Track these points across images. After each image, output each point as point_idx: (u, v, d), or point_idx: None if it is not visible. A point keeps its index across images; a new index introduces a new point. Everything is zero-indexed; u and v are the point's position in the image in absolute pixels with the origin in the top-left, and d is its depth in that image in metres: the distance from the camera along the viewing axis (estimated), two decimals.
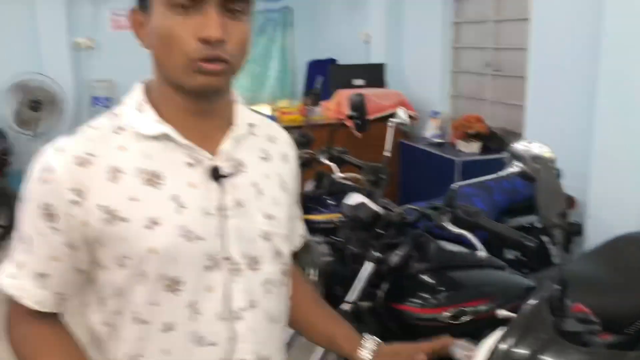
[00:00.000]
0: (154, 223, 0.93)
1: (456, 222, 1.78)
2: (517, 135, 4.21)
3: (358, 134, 2.67)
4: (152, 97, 0.99)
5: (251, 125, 1.05)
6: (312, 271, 1.97)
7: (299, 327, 1.28)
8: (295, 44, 8.01)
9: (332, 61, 6.95)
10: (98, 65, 7.16)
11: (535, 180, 1.48)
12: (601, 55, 3.14)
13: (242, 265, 0.99)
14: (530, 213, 3.26)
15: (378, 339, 1.24)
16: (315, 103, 5.66)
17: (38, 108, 6.58)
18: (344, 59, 6.75)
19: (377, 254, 1.90)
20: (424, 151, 4.64)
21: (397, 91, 5.23)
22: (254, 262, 1.01)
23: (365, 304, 1.96)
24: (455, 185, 1.84)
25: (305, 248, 2.00)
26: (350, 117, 2.59)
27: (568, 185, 3.34)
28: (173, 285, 0.94)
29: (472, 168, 4.05)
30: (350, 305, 1.89)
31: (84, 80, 7.14)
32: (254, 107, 6.30)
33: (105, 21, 7.20)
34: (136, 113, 0.98)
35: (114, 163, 0.94)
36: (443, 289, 1.93)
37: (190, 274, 0.95)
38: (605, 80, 3.14)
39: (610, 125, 3.17)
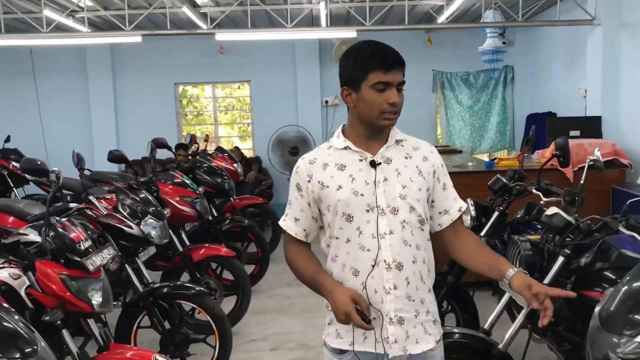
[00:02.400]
0: (340, 187, 1.86)
1: (629, 227, 2.42)
2: None
3: (564, 171, 3.32)
4: (346, 131, 1.95)
5: (398, 140, 1.92)
6: (518, 262, 2.71)
7: (467, 261, 1.98)
8: (515, 98, 8.65)
9: (550, 114, 7.46)
10: (341, 118, 8.58)
11: None
12: None
13: (386, 211, 1.83)
14: None
15: (524, 270, 1.92)
16: (531, 151, 6.30)
17: (295, 153, 8.09)
18: (561, 113, 7.24)
19: (567, 252, 2.60)
20: (635, 195, 4.99)
21: (612, 142, 5.63)
22: (394, 210, 1.84)
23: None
24: (630, 201, 2.48)
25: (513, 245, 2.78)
26: (555, 156, 3.29)
27: None
28: (349, 218, 1.85)
29: None
30: None
31: (331, 131, 8.61)
32: (473, 156, 7.07)
33: None
34: (336, 139, 1.95)
35: (325, 161, 1.92)
36: (620, 281, 2.54)
37: (357, 213, 1.84)
38: None
39: None
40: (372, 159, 1.88)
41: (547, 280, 2.61)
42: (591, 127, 6.07)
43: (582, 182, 2.96)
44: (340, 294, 1.79)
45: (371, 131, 1.91)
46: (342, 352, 1.92)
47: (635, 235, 2.39)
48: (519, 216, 3.82)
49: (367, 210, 1.85)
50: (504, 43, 7.22)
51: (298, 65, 8.44)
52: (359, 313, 1.75)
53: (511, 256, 2.76)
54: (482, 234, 3.53)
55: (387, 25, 7.11)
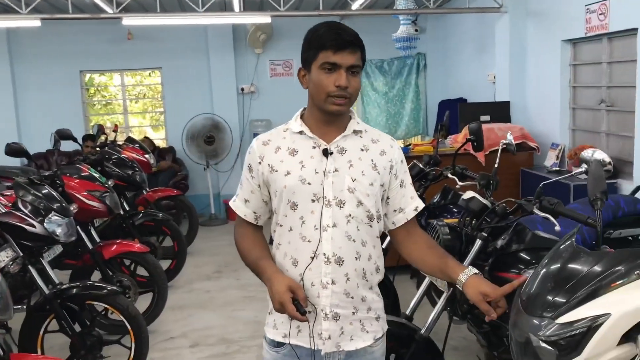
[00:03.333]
0: (288, 173, 1.78)
1: (542, 209, 2.48)
2: (628, 163, 4.70)
3: (477, 155, 3.39)
4: (304, 115, 1.87)
5: (357, 131, 1.84)
6: None
7: (418, 264, 1.95)
8: (427, 85, 8.83)
9: (461, 100, 7.67)
10: (258, 105, 8.45)
11: (587, 177, 2.17)
12: None
13: (332, 202, 1.76)
14: (633, 226, 3.78)
15: (477, 270, 1.90)
16: (444, 136, 6.44)
17: (211, 143, 7.88)
18: (472, 98, 7.46)
19: (485, 235, 2.64)
20: (542, 177, 5.22)
21: (520, 126, 5.85)
22: (340, 203, 1.77)
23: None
24: (543, 183, 2.54)
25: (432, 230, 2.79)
26: (469, 140, 3.35)
27: None
28: (293, 206, 1.78)
29: (584, 191, 4.58)
30: None
31: (247, 119, 8.44)
32: None
33: (266, 70, 8.50)
34: (293, 122, 1.86)
35: (278, 144, 1.83)
36: (535, 262, 2.60)
37: (302, 202, 1.77)
38: None
39: None
40: (325, 147, 1.80)
41: (466, 262, 2.63)
42: (500, 112, 6.28)
43: (496, 165, 3.01)
44: (278, 282, 1.72)
45: (326, 117, 1.82)
46: (278, 344, 1.86)
47: (549, 216, 2.46)
48: (435, 201, 3.88)
49: (313, 200, 1.78)
50: (416, 30, 7.32)
51: (211, 51, 8.20)
52: (295, 303, 1.68)
53: None
54: None
55: (302, 11, 7.03)
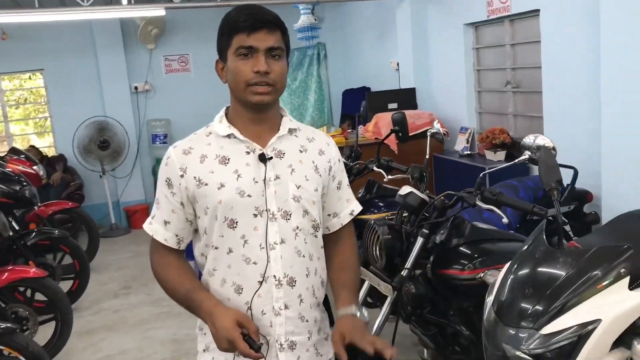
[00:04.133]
0: (222, 185, 1.52)
1: (484, 200, 2.36)
2: None
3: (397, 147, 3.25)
4: (229, 114, 1.60)
5: (291, 130, 1.61)
6: (377, 248, 2.55)
7: (329, 275, 1.72)
8: (329, 75, 8.69)
9: (365, 89, 7.60)
10: (154, 104, 7.94)
11: (539, 167, 2.06)
12: (601, 70, 3.71)
13: (277, 215, 1.53)
14: (553, 206, 3.81)
15: (358, 311, 1.70)
16: (351, 126, 6.32)
17: (105, 147, 7.31)
18: (375, 87, 7.39)
19: (426, 231, 2.49)
20: (455, 162, 5.22)
21: (429, 112, 5.83)
22: (286, 215, 1.54)
23: (417, 271, 2.55)
24: (483, 173, 2.42)
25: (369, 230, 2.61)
26: (394, 131, 3.20)
27: (584, 183, 3.92)
28: (232, 224, 1.52)
29: (498, 174, 4.61)
30: (407, 271, 2.46)
31: (143, 119, 7.91)
32: None
33: (161, 66, 8.00)
34: (218, 123, 1.59)
35: (203, 152, 1.55)
36: (477, 256, 2.49)
37: (243, 218, 1.52)
38: (607, 90, 3.70)
39: (615, 129, 3.70)
40: (261, 151, 1.56)
41: (409, 263, 2.48)
42: (406, 98, 6.24)
43: (427, 156, 2.88)
44: (222, 317, 1.46)
45: (253, 113, 1.56)
46: None
47: (494, 208, 2.34)
48: (360, 195, 3.71)
49: (255, 215, 1.54)
50: (315, 20, 7.15)
51: (99, 49, 7.57)
52: (246, 339, 1.44)
53: (369, 242, 2.59)
54: None
55: (198, 2, 6.62)
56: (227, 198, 1.52)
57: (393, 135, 3.34)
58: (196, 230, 1.62)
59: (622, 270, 1.39)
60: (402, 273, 2.47)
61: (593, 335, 1.34)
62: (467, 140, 5.49)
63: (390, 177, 3.25)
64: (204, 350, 1.62)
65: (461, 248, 2.55)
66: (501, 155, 4.89)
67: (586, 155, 4.07)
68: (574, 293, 1.40)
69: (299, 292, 1.58)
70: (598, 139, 3.85)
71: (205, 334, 1.60)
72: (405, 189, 2.58)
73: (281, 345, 1.56)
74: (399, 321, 2.54)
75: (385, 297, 2.53)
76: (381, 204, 3.57)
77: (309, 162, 1.62)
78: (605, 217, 3.83)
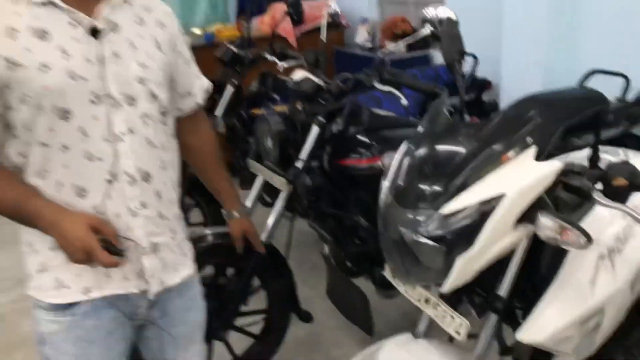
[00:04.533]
0: (45, 67, 1.20)
1: (383, 82, 2.17)
2: None
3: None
4: None
5: None
6: (269, 139, 2.34)
7: (201, 177, 1.71)
8: None
9: None
10: None
11: (441, 38, 1.87)
12: None
13: (120, 101, 1.28)
14: (455, 95, 3.74)
15: (249, 208, 1.66)
16: (247, 20, 5.91)
17: None
18: None
19: (321, 119, 2.29)
20: (357, 55, 5.01)
21: (327, 2, 5.49)
22: (130, 100, 1.29)
23: (314, 163, 2.37)
24: (383, 56, 2.22)
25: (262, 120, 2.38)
26: (288, 13, 2.92)
27: (483, 70, 3.84)
28: (65, 115, 1.23)
29: (400, 65, 4.46)
30: (301, 162, 2.28)
31: None
32: (185, 32, 6.43)
33: None
34: None
35: (11, 24, 1.19)
36: (376, 144, 2.34)
37: (78, 106, 1.24)
38: None
39: (516, 13, 3.60)
40: (93, 24, 1.25)
41: (304, 154, 2.29)
42: None
43: (324, 40, 2.63)
44: (71, 224, 1.21)
45: None
46: (68, 306, 1.34)
47: (392, 90, 2.16)
48: (254, 88, 3.44)
49: (93, 102, 1.26)
50: None
51: None
52: (105, 246, 1.22)
53: (261, 134, 2.36)
54: (218, 113, 3.07)
55: None
56: (56, 83, 1.21)
57: (290, 28, 3.06)
58: (5, 127, 1.28)
59: (529, 138, 1.25)
60: (296, 165, 2.28)
61: (496, 212, 1.21)
62: (368, 32, 5.25)
63: (285, 65, 2.99)
64: (39, 272, 1.33)
65: (359, 136, 2.38)
66: (402, 45, 4.71)
67: (486, 42, 3.96)
68: (476, 168, 1.26)
69: (156, 188, 1.36)
70: (499, 26, 3.74)
71: (37, 250, 1.32)
72: (298, 74, 2.35)
73: (143, 249, 1.34)
74: (296, 217, 2.39)
75: (280, 191, 2.35)
76: (277, 97, 3.33)
77: (149, 37, 1.35)
78: (503, 105, 3.80)
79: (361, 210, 2.42)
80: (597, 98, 1.60)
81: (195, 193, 3.19)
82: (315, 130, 2.29)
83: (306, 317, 2.51)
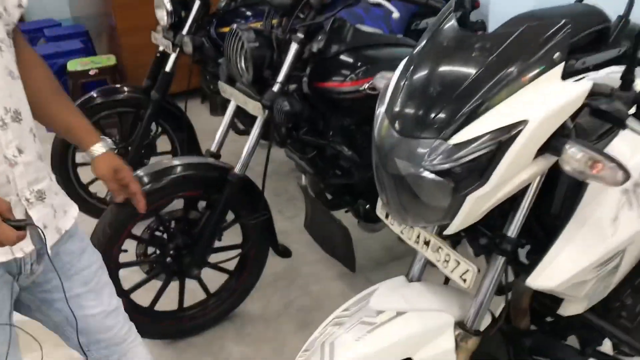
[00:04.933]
0: None
1: None
2: None
3: None
4: None
5: None
6: (242, 59, 2.09)
7: (40, 119, 1.33)
8: None
9: None
10: None
11: None
12: None
13: None
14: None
15: (112, 144, 1.39)
16: None
17: None
18: None
19: (301, 36, 2.04)
20: None
21: None
22: None
23: (292, 86, 2.14)
24: None
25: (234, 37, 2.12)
26: None
27: None
28: None
29: None
30: (279, 85, 2.05)
31: None
32: None
33: None
34: None
35: None
36: (361, 64, 2.11)
37: None
38: None
39: None
40: None
41: (281, 76, 2.05)
42: None
43: None
44: None
45: None
46: None
47: (381, 1, 1.92)
48: (223, 4, 3.13)
49: None
50: None
51: None
52: (8, 222, 1.02)
53: (232, 52, 2.11)
54: (184, 31, 2.78)
55: None
56: None
57: None
58: None
59: (557, 55, 1.05)
60: (273, 88, 2.05)
61: (517, 141, 1.03)
62: None
63: None
64: None
65: (342, 56, 2.15)
66: None
67: None
68: (493, 89, 1.06)
69: (29, 126, 1.15)
70: None
71: None
72: None
73: (28, 200, 1.13)
74: (272, 146, 2.18)
75: (255, 118, 2.13)
76: (249, 13, 3.04)
77: None
78: (492, 26, 3.56)
79: (344, 139, 2.22)
80: (597, 15, 1.38)
81: (161, 120, 2.95)
82: (294, 48, 2.04)
83: (284, 252, 2.36)
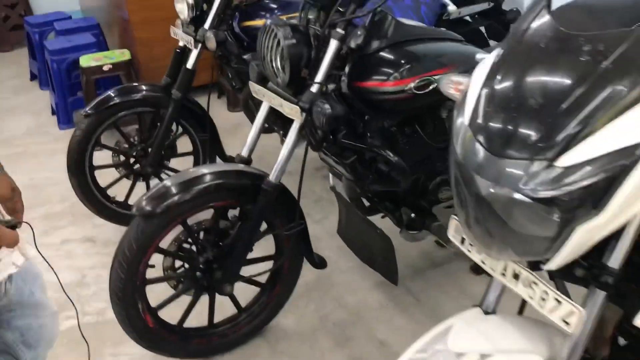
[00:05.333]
0: None
1: None
2: None
3: None
4: None
5: None
6: (278, 57, 1.92)
7: None
8: None
9: None
10: None
11: None
12: None
13: None
14: (471, 3, 3.32)
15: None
16: None
17: None
18: None
19: (341, 31, 1.87)
20: None
21: None
22: None
23: (330, 86, 1.97)
24: None
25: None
26: None
27: None
28: None
29: None
30: (318, 86, 1.88)
31: None
32: None
33: None
34: None
35: None
36: (405, 62, 1.94)
37: None
38: None
39: None
40: None
41: (320, 76, 1.88)
42: None
43: None
44: None
45: None
46: None
47: None
48: None
49: None
50: None
51: None
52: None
53: (267, 50, 1.94)
54: (207, 26, 2.61)
55: None
56: None
57: None
58: None
59: None
60: (311, 89, 1.88)
61: None
62: None
63: None
64: None
65: (383, 53, 1.98)
66: None
67: None
68: (609, 102, 0.89)
69: None
70: None
71: None
72: None
73: None
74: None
75: (288, 120, 1.96)
76: (274, 6, 2.86)
77: None
78: None
79: (384, 141, 2.05)
80: None
81: (183, 120, 2.79)
82: (334, 45, 1.87)
83: (320, 264, 2.20)
